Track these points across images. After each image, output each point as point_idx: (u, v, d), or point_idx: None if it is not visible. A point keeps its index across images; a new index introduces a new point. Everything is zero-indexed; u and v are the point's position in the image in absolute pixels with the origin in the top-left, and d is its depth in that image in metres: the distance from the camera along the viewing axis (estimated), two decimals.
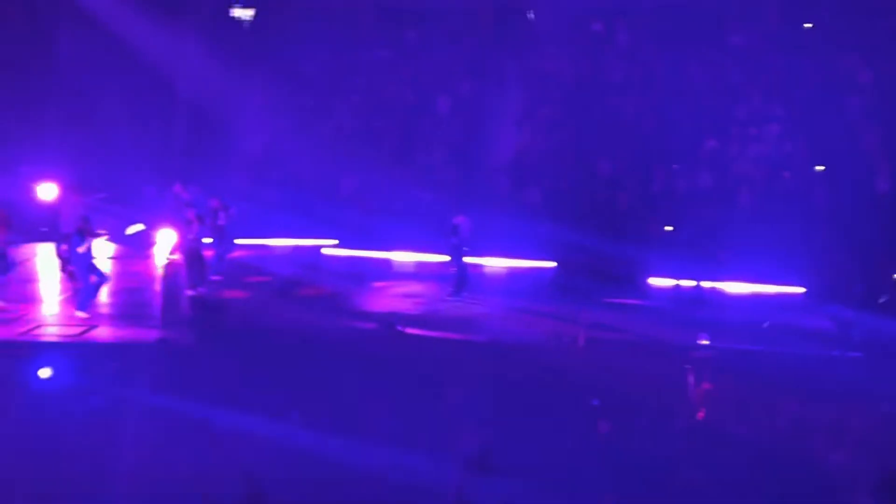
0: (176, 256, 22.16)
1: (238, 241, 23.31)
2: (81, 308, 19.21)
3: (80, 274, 19.55)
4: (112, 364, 16.57)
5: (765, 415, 15.33)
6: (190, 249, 20.96)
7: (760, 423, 15.15)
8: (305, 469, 14.06)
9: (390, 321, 19.00)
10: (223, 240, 22.57)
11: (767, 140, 26.03)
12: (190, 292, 20.69)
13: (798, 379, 16.56)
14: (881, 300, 20.42)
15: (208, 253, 22.00)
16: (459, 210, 22.14)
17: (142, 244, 24.84)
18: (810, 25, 26.45)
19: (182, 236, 21.49)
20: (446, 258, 22.22)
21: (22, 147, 26.37)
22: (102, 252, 23.78)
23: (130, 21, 27.32)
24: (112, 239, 24.91)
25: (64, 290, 20.88)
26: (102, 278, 19.73)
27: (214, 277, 22.00)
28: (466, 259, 21.98)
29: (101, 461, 13.92)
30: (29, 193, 24.60)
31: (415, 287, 22.48)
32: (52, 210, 23.96)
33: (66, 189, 23.40)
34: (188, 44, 27.54)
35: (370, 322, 19.15)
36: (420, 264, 24.16)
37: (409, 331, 18.76)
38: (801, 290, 22.53)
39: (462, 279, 21.76)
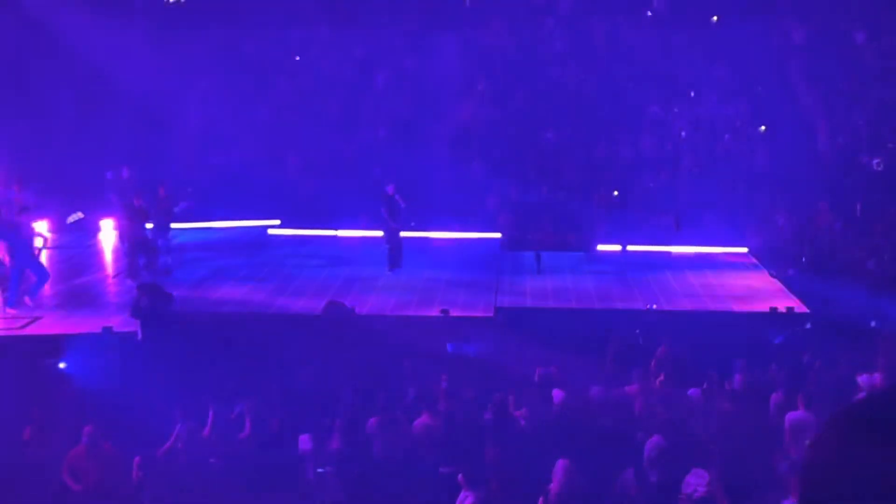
0: (117, 243, 21.82)
1: (181, 225, 22.97)
2: (11, 303, 18.84)
3: (14, 267, 19.06)
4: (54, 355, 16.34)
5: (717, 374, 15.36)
6: (134, 236, 20.69)
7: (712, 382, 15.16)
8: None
9: (338, 301, 18.86)
10: (167, 225, 22.31)
11: (708, 103, 26.16)
12: (133, 279, 20.41)
13: (745, 336, 16.75)
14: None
15: (153, 239, 21.74)
16: (391, 180, 21.88)
17: (84, 232, 24.51)
18: (716, 18, 26.85)
19: (125, 223, 21.17)
20: (381, 233, 22.04)
21: None
22: (43, 242, 23.41)
23: (62, 7, 26.83)
24: (52, 228, 24.51)
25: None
26: (42, 273, 19.33)
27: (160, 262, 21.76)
28: (402, 232, 21.85)
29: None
30: None
31: (357, 264, 22.32)
32: None
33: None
34: (123, 25, 27.07)
35: (316, 301, 19.01)
36: (364, 240, 24.00)
37: (359, 310, 18.65)
38: (744, 250, 22.72)
39: (397, 252, 21.60)
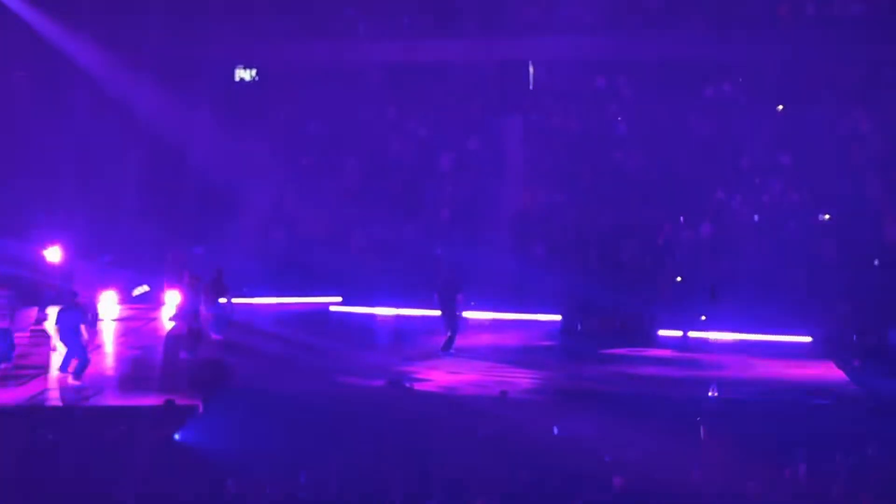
0: (175, 318, 22.11)
1: (244, 300, 23.24)
2: (77, 375, 19.14)
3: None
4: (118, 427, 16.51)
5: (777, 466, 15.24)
6: (191, 311, 21.02)
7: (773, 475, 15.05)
8: None
9: (397, 379, 18.97)
10: (225, 300, 22.61)
11: (772, 190, 26.06)
12: (187, 354, 20.70)
13: (806, 428, 16.54)
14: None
15: (209, 313, 21.95)
16: (451, 263, 22.15)
17: (148, 305, 24.88)
18: (781, 108, 26.76)
19: (186, 298, 21.51)
20: (439, 312, 22.14)
21: (34, 211, 26.53)
22: (109, 313, 23.84)
23: (135, 85, 27.55)
24: (119, 300, 24.93)
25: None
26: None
27: (216, 337, 21.92)
28: (462, 312, 21.95)
29: None
30: (39, 257, 24.61)
31: (416, 342, 22.42)
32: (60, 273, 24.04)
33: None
34: (193, 105, 27.71)
35: (376, 380, 19.08)
36: (425, 319, 24.04)
37: (417, 387, 18.73)
38: (808, 339, 22.44)
39: (453, 333, 21.68)
